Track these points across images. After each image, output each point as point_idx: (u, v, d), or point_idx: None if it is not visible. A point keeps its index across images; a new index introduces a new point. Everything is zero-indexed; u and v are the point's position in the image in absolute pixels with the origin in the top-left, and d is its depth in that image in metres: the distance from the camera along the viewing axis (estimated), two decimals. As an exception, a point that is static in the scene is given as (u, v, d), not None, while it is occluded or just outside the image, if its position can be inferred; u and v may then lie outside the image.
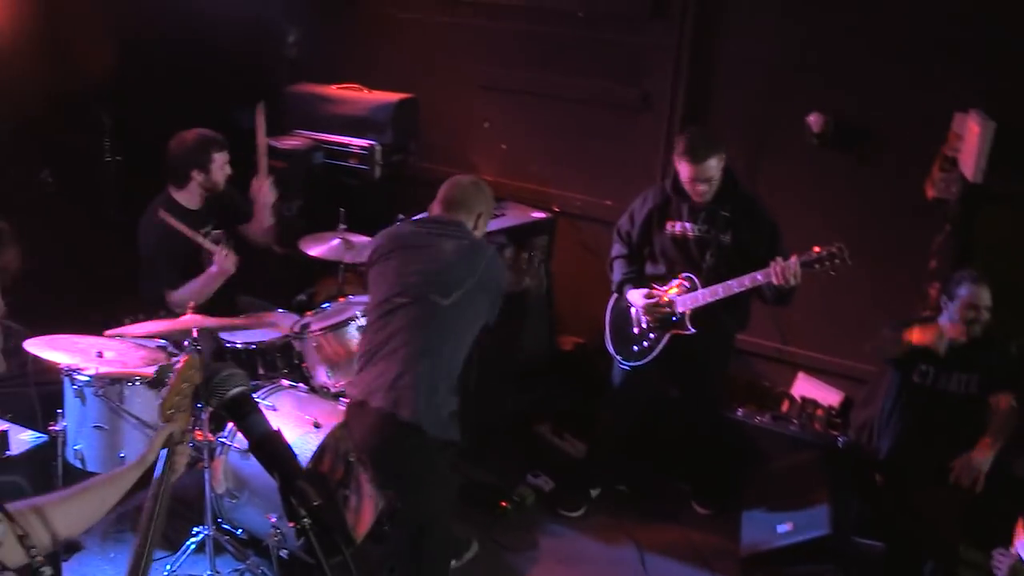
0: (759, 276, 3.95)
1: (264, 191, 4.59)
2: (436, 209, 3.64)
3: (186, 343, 3.77)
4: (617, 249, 4.49)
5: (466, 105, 5.97)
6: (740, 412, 4.81)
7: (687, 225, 4.21)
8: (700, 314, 4.16)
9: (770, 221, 4.19)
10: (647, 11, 5.16)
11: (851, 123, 4.75)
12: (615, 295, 4.50)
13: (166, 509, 1.83)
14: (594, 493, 4.75)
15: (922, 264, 4.56)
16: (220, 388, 1.39)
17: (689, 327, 4.19)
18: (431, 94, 5.91)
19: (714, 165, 4.04)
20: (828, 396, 4.97)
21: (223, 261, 4.19)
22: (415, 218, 3.95)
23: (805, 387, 5.11)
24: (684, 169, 4.07)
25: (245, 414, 1.36)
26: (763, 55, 4.94)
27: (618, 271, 4.44)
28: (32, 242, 5.15)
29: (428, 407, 3.33)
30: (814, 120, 4.76)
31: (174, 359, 2.30)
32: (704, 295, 4.11)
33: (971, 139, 4.17)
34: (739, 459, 4.70)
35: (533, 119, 5.77)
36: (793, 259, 3.87)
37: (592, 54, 5.45)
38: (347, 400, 3.57)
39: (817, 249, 3.88)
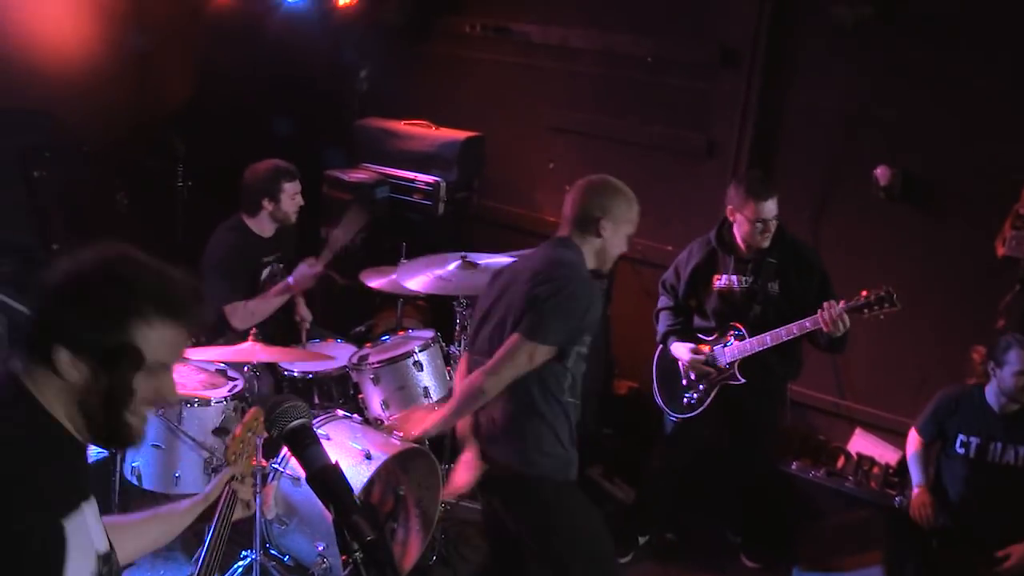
0: (807, 323, 3.91)
1: (303, 277, 4.46)
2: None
3: (246, 369, 3.85)
4: (663, 301, 4.48)
5: (532, 145, 6.02)
6: (794, 466, 4.73)
7: (733, 278, 4.19)
8: (750, 363, 4.12)
9: (819, 267, 4.15)
10: (717, 59, 5.18)
11: (920, 177, 4.69)
12: (660, 347, 4.49)
13: (224, 543, 1.94)
14: (642, 540, 4.69)
15: (989, 324, 4.46)
16: (282, 419, 1.43)
17: (739, 376, 4.15)
18: (498, 133, 5.99)
19: (775, 205, 4.02)
20: (886, 454, 4.86)
21: (304, 272, 4.32)
22: None
23: (862, 443, 5.00)
24: (748, 209, 4.05)
25: (305, 446, 1.38)
26: (832, 106, 4.91)
27: (663, 323, 4.43)
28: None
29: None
30: (881, 173, 4.71)
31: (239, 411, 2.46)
32: (752, 344, 4.07)
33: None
34: (792, 513, 4.61)
35: (598, 162, 5.79)
36: (841, 305, 3.82)
37: (659, 99, 5.48)
38: None
39: (864, 293, 3.83)
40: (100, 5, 5.26)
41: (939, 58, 4.58)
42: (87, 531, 1.58)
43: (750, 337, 4.08)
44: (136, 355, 1.55)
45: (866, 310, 3.81)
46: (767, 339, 4.02)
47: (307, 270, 4.40)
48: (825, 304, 3.84)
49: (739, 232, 4.14)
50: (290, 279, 4.41)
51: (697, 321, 4.36)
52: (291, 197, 4.47)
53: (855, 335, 4.62)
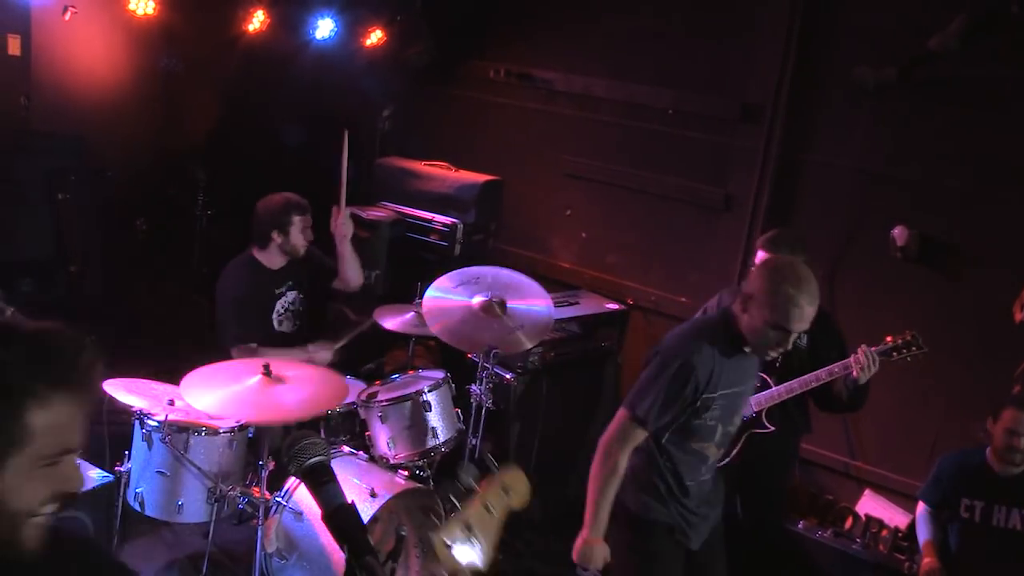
0: (836, 368, 3.91)
1: (340, 223, 4.61)
2: None
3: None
4: None
5: (550, 191, 6.06)
6: (801, 525, 4.67)
7: None
8: (776, 412, 4.10)
9: (839, 330, 4.14)
10: (738, 114, 5.22)
11: (938, 239, 4.70)
12: None
13: None
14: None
15: (1005, 391, 4.42)
16: (301, 455, 1.43)
17: (766, 424, 4.13)
18: (516, 178, 6.03)
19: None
20: (895, 517, 4.80)
21: (318, 356, 4.38)
22: None
23: (871, 505, 4.94)
24: None
25: (322, 483, 1.38)
26: (850, 165, 4.93)
27: None
28: (120, 285, 5.38)
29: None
30: (899, 233, 4.71)
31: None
32: (780, 391, 4.06)
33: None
34: (796, 573, 4.54)
35: (615, 210, 5.83)
36: (871, 350, 3.82)
37: (678, 151, 5.52)
38: None
39: (889, 338, 3.87)
40: (134, 35, 5.37)
41: (959, 121, 4.61)
42: None
43: (775, 385, 4.07)
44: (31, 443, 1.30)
45: (894, 353, 3.85)
46: (795, 385, 4.01)
47: (327, 350, 4.48)
48: (861, 348, 3.84)
49: None
50: (310, 347, 4.47)
51: None
52: (300, 230, 4.46)
53: (870, 394, 4.60)
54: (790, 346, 3.01)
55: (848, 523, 4.86)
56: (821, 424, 4.39)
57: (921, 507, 4.15)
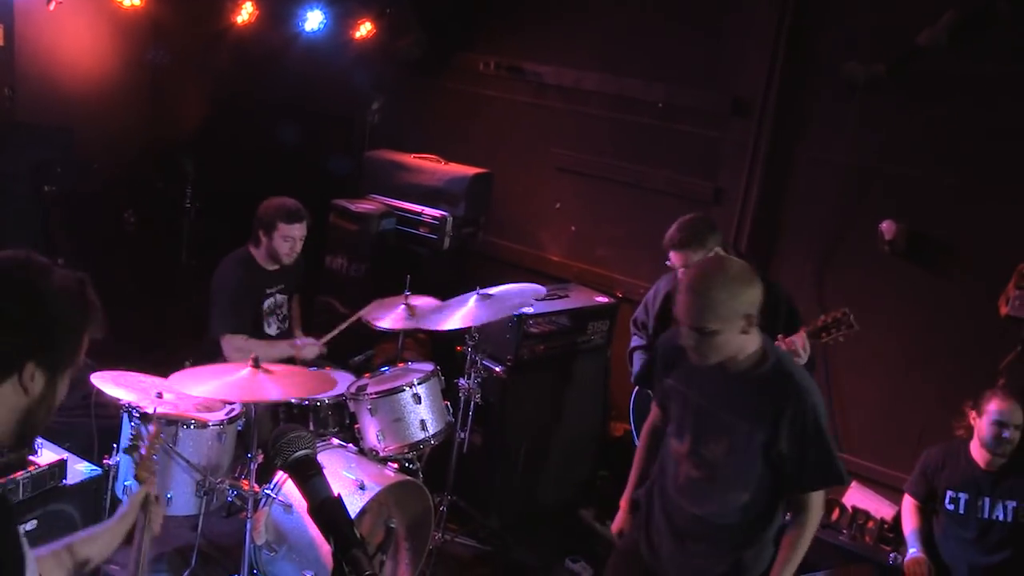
0: None
1: (307, 347, 4.56)
2: None
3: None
4: (635, 341, 4.45)
5: (540, 185, 6.06)
6: (787, 516, 4.68)
7: None
8: None
9: (785, 300, 4.05)
10: (728, 108, 5.23)
11: (925, 233, 4.72)
12: (636, 388, 4.47)
13: (148, 561, 2.12)
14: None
15: (990, 383, 4.45)
16: (287, 448, 1.43)
17: None
18: (506, 171, 6.03)
19: (678, 258, 4.01)
20: (881, 508, 4.83)
21: (304, 351, 4.40)
22: None
23: (858, 497, 4.96)
24: (671, 257, 4.06)
25: (308, 476, 1.38)
26: (840, 160, 4.94)
27: (637, 363, 4.39)
28: (107, 278, 5.35)
29: None
30: (887, 228, 4.73)
31: (144, 428, 2.48)
32: None
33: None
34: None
35: (604, 204, 5.83)
36: (800, 333, 3.77)
37: (668, 145, 5.52)
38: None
39: (824, 317, 3.79)
40: (121, 27, 5.34)
41: (948, 116, 4.62)
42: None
43: None
44: (76, 362, 1.61)
45: (824, 334, 3.77)
46: None
47: (314, 345, 4.53)
48: (779, 336, 3.77)
49: None
50: (297, 342, 4.52)
51: None
52: (283, 238, 4.41)
53: (856, 387, 4.62)
54: (692, 342, 2.74)
55: (835, 515, 4.88)
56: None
57: (907, 500, 4.18)
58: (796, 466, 2.79)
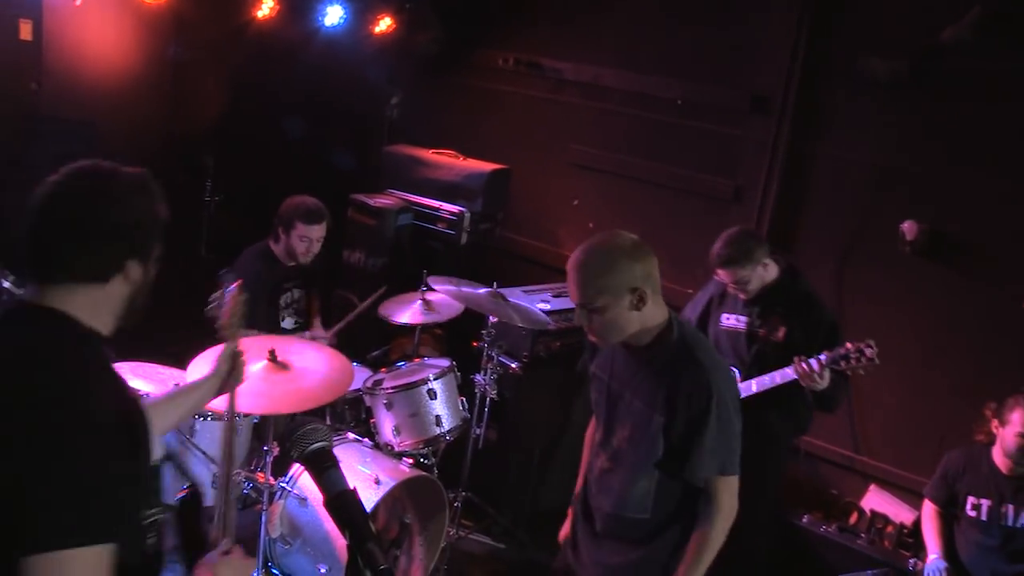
0: (789, 371, 3.79)
1: (327, 336, 4.62)
2: None
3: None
4: None
5: (557, 181, 6.05)
6: (805, 519, 4.65)
7: (741, 318, 4.12)
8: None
9: (828, 320, 3.99)
10: (748, 106, 5.19)
11: (947, 233, 4.67)
12: None
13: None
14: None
15: (1014, 386, 4.40)
16: (303, 441, 1.42)
17: None
18: (524, 167, 6.02)
19: (726, 274, 3.96)
20: (901, 513, 4.79)
21: (319, 337, 4.48)
22: None
23: (877, 501, 4.93)
24: (719, 273, 4.03)
25: (324, 469, 1.38)
26: (861, 158, 4.91)
27: None
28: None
29: None
30: (908, 228, 4.68)
31: (226, 287, 2.60)
32: (742, 389, 4.00)
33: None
34: (800, 569, 4.53)
35: (622, 201, 5.81)
36: (822, 356, 3.71)
37: (687, 143, 5.49)
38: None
39: (849, 345, 3.69)
40: (144, 22, 5.36)
41: (972, 114, 4.57)
42: None
43: (741, 382, 4.02)
44: (160, 244, 1.83)
45: (842, 362, 3.67)
46: (752, 385, 3.93)
47: (323, 337, 4.55)
48: (795, 358, 3.74)
49: None
50: (306, 334, 4.55)
51: None
52: (300, 237, 4.41)
53: (876, 388, 4.57)
54: (585, 323, 2.61)
55: (853, 518, 4.85)
56: (826, 417, 4.37)
57: (927, 505, 4.12)
58: (690, 451, 2.56)
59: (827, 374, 3.70)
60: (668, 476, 2.63)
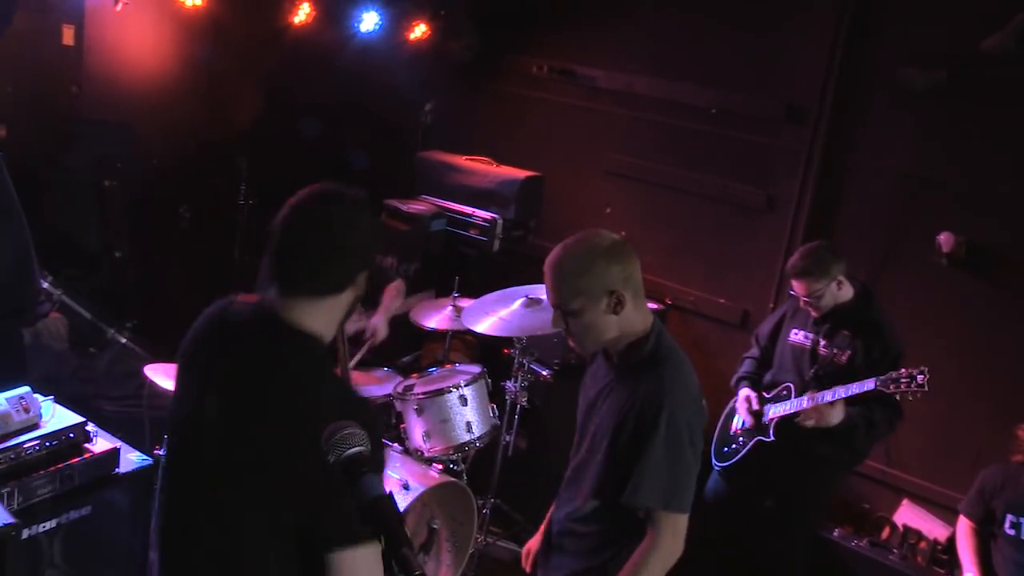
0: (804, 401, 3.88)
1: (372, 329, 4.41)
2: None
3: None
4: (751, 350, 4.44)
5: (590, 189, 6.04)
6: (836, 532, 4.61)
7: (808, 335, 4.11)
8: (787, 426, 4.02)
9: (895, 351, 3.91)
10: (782, 116, 5.16)
11: (985, 246, 4.61)
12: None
13: None
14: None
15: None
16: (340, 445, 1.43)
17: (770, 435, 4.06)
18: (557, 174, 6.02)
19: (800, 286, 3.96)
20: (935, 529, 4.72)
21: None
22: None
23: (909, 515, 4.86)
24: (794, 285, 4.03)
25: (361, 474, 1.38)
26: (896, 168, 4.86)
27: (741, 368, 4.40)
28: (162, 272, 5.45)
29: None
30: (945, 239, 4.63)
31: None
32: (792, 405, 3.99)
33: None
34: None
35: (655, 209, 5.79)
36: (830, 395, 3.77)
37: (721, 152, 5.47)
38: None
39: (902, 370, 3.66)
40: (182, 26, 5.43)
41: (1012, 125, 4.51)
42: None
43: (795, 398, 4.00)
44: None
45: (892, 385, 3.64)
46: (804, 401, 3.93)
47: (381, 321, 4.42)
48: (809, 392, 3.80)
49: None
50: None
51: (767, 375, 4.30)
52: None
53: (907, 402, 4.51)
54: (562, 327, 2.50)
55: (885, 533, 4.79)
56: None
57: (963, 521, 4.06)
58: (630, 472, 2.36)
59: (840, 410, 3.73)
60: (617, 493, 2.41)
